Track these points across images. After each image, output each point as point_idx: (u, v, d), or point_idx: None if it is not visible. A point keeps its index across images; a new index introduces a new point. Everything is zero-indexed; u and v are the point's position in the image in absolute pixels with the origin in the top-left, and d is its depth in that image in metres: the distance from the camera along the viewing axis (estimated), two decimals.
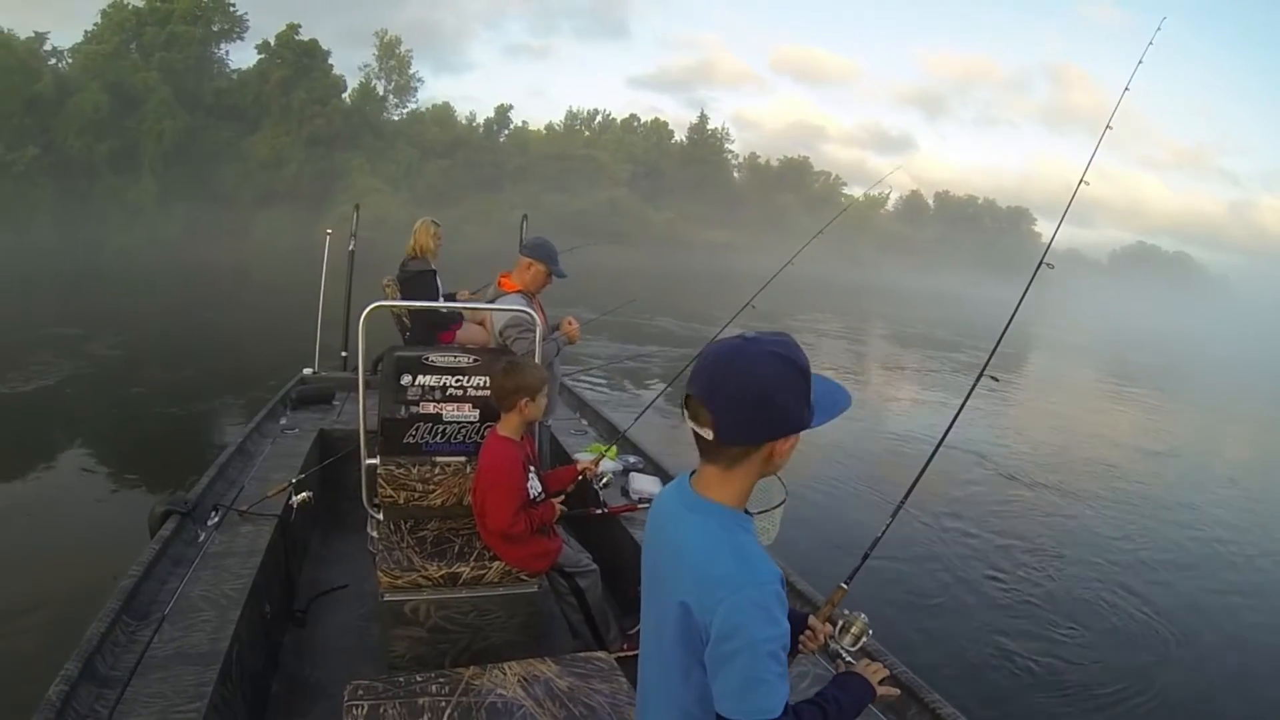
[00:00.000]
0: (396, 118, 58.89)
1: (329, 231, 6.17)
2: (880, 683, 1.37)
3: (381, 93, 59.13)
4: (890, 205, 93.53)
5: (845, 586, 1.73)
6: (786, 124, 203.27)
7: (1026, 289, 2.40)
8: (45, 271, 24.06)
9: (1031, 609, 5.67)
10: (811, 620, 1.49)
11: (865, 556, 1.88)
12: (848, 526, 6.70)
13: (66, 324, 14.22)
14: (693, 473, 1.27)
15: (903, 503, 2.00)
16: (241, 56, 61.48)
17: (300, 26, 50.78)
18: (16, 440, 7.65)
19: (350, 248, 5.96)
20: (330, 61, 52.34)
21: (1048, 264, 2.43)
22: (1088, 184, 2.75)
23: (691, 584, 1.15)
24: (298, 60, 50.08)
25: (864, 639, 1.57)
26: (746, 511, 1.25)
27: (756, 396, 1.13)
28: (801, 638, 1.45)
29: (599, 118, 75.63)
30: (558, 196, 54.62)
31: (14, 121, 36.93)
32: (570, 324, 3.83)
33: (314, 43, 51.26)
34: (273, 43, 50.19)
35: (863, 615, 1.54)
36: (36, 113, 38.29)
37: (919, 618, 5.27)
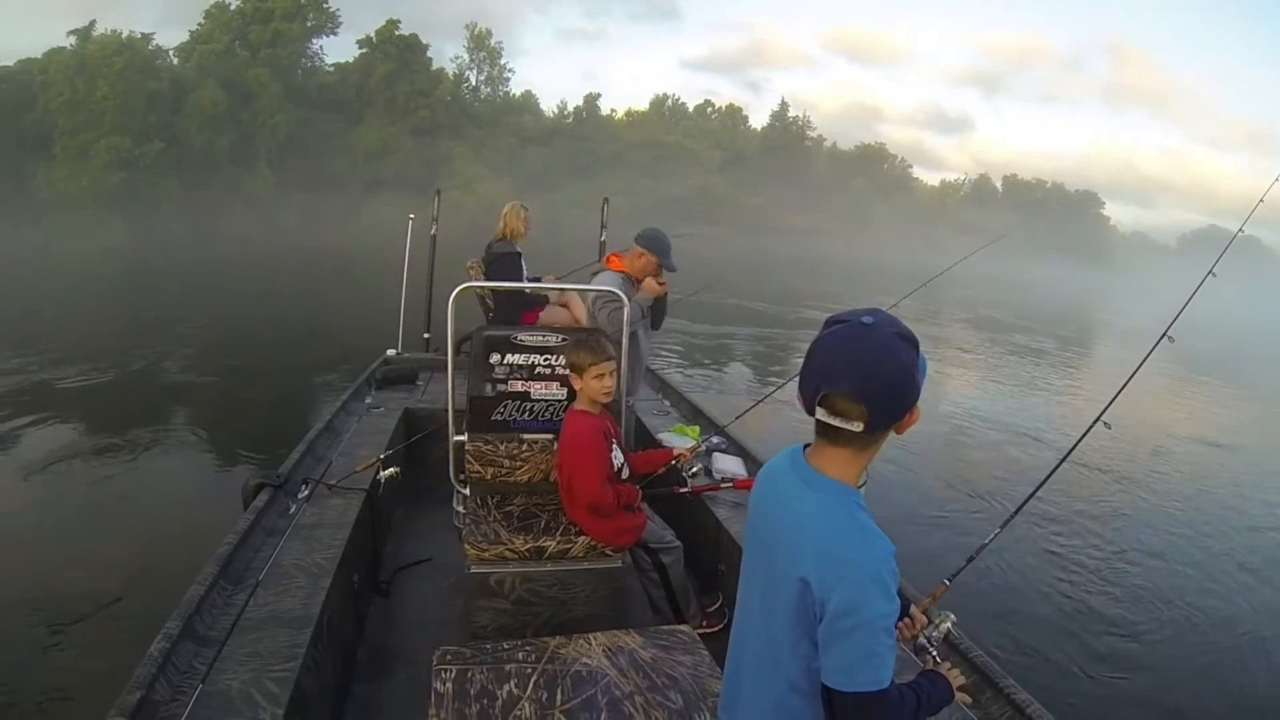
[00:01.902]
0: (487, 106, 60.29)
1: (411, 216, 6.30)
2: (958, 688, 1.42)
3: (473, 83, 60.65)
4: (962, 191, 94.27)
5: (948, 583, 1.82)
6: (842, 105, 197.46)
7: (1147, 356, 2.55)
8: (170, 259, 25.66)
9: (1111, 603, 5.29)
10: (913, 610, 1.56)
11: (970, 559, 1.99)
12: (930, 517, 6.47)
13: (183, 309, 15.15)
14: (805, 446, 1.27)
15: (1014, 514, 2.14)
16: (335, 51, 63.75)
17: (400, 22, 52.63)
18: (128, 417, 8.06)
19: (432, 232, 6.05)
20: (429, 55, 54.10)
21: (1169, 337, 2.62)
22: (1214, 275, 2.93)
23: (813, 561, 1.15)
24: (400, 54, 51.89)
25: (949, 634, 1.63)
26: None
27: (905, 383, 1.16)
28: (900, 624, 1.51)
29: (669, 102, 76.11)
30: (653, 183, 55.11)
31: (137, 119, 39.70)
32: (658, 281, 3.85)
33: (414, 37, 53.07)
34: (374, 38, 52.17)
35: (952, 615, 1.59)
36: (156, 109, 41.08)
37: (991, 605, 5.00)
